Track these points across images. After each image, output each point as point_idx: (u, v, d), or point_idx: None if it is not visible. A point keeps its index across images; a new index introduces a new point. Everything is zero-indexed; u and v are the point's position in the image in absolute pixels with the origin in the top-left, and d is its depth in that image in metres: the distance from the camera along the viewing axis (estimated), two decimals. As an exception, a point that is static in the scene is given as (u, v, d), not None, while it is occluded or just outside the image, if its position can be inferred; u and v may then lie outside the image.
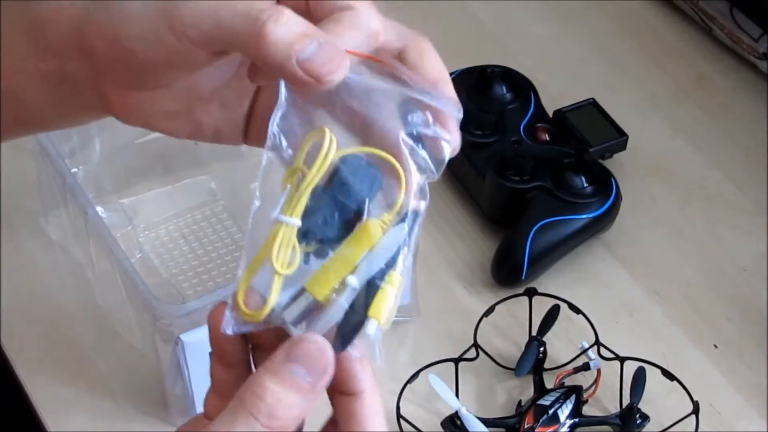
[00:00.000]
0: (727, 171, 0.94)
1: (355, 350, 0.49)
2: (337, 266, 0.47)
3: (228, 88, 0.53)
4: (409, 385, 0.77)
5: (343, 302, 0.47)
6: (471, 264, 0.87)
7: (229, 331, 0.47)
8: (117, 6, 0.50)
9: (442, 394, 0.76)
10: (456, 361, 0.78)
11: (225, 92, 0.53)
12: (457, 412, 0.75)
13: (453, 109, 0.51)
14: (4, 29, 0.52)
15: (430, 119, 0.50)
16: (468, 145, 0.88)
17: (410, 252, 0.48)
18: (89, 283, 0.82)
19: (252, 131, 0.55)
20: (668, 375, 0.77)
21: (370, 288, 0.47)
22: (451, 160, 0.92)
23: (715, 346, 0.83)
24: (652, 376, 0.78)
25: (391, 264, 0.47)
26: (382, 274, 0.47)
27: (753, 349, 0.83)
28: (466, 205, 0.90)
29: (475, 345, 0.80)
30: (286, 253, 0.47)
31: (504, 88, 0.92)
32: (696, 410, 0.76)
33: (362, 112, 0.50)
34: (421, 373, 0.77)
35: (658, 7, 1.07)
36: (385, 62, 0.50)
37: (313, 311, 0.47)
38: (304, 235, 0.47)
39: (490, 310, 0.81)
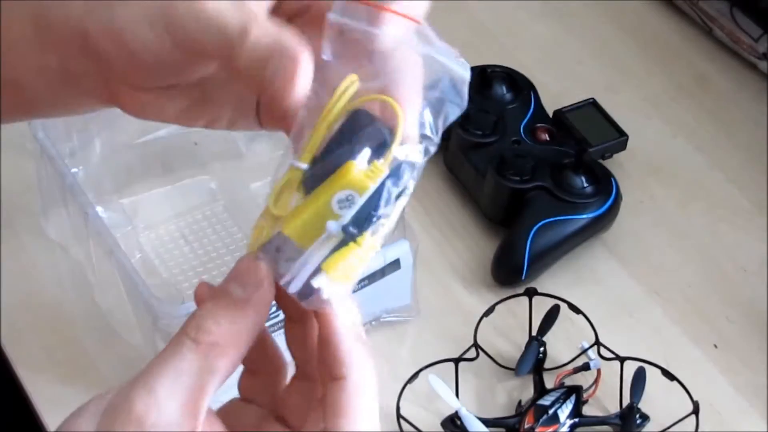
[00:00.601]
0: (727, 171, 0.94)
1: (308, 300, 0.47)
2: (309, 206, 0.46)
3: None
4: (409, 385, 0.77)
5: (314, 247, 0.46)
6: (471, 264, 0.87)
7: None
8: (116, 7, 0.50)
9: (442, 394, 0.76)
10: (456, 361, 0.78)
11: (237, 84, 0.53)
12: (457, 412, 0.75)
13: (468, 73, 0.49)
14: (12, 20, 0.52)
15: (446, 82, 0.49)
16: (468, 145, 0.88)
17: (392, 219, 0.47)
18: (89, 283, 0.82)
19: (266, 116, 0.55)
20: (668, 375, 0.78)
21: (342, 240, 0.46)
22: (452, 161, 0.92)
23: (715, 346, 0.83)
24: (652, 376, 0.78)
25: (365, 221, 0.46)
26: (359, 228, 0.46)
27: (753, 349, 0.83)
28: (466, 205, 0.90)
29: (475, 345, 0.80)
30: (288, 195, 0.47)
31: (504, 88, 0.92)
32: (696, 410, 0.76)
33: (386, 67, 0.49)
34: (421, 373, 0.77)
35: (658, 7, 1.07)
36: (416, 20, 0.50)
37: (288, 252, 0.47)
38: (305, 180, 0.47)
39: (490, 310, 0.81)
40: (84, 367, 0.79)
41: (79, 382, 0.78)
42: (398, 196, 0.47)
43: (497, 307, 0.81)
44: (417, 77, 0.49)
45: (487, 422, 0.75)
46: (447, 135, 0.90)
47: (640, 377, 0.77)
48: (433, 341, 0.82)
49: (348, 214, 0.46)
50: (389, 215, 0.46)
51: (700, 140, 0.97)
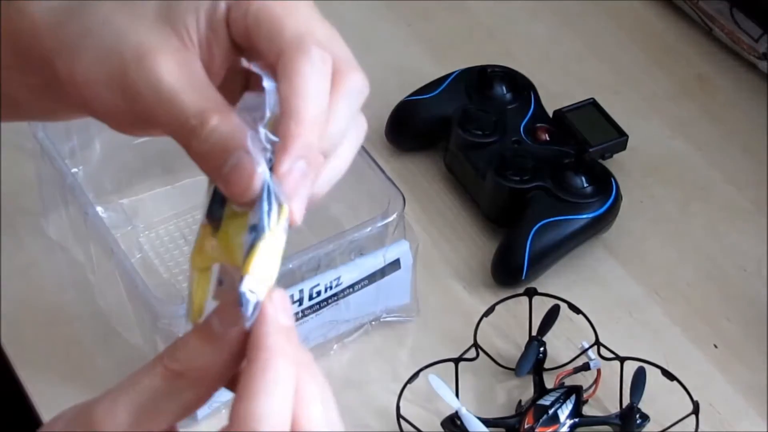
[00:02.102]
0: (727, 171, 0.94)
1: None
2: (225, 228, 0.48)
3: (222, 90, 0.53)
4: (409, 385, 0.77)
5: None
6: (471, 264, 0.87)
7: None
8: (82, 56, 0.49)
9: (442, 394, 0.76)
10: (456, 361, 0.78)
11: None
12: (457, 412, 0.75)
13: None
14: None
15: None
16: (468, 145, 0.88)
17: (278, 205, 0.47)
18: (89, 283, 0.82)
19: None
20: (668, 375, 0.78)
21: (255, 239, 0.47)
22: (452, 161, 0.92)
23: (715, 346, 0.83)
24: (652, 376, 0.78)
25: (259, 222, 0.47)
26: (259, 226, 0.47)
27: (753, 349, 0.83)
28: (466, 205, 0.90)
29: (475, 345, 0.80)
30: (206, 244, 0.48)
31: (504, 88, 0.92)
32: (696, 410, 0.76)
33: None
34: (421, 373, 0.77)
35: (658, 7, 1.07)
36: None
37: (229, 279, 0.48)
38: (214, 224, 0.48)
39: (490, 310, 0.81)
40: (84, 367, 0.79)
41: (79, 382, 0.78)
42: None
43: (497, 307, 0.81)
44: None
45: (487, 422, 0.75)
46: (447, 135, 0.90)
47: (640, 377, 0.77)
48: (433, 341, 0.82)
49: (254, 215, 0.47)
50: (276, 204, 0.47)
51: (700, 140, 0.97)
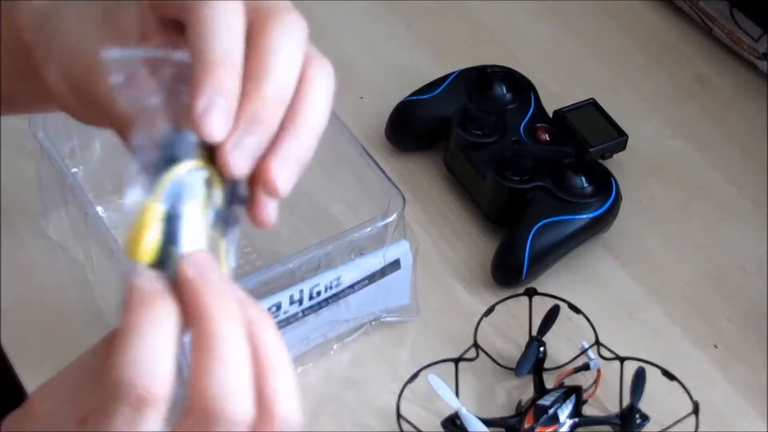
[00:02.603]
0: (727, 171, 0.94)
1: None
2: None
3: None
4: (409, 385, 0.77)
5: None
6: (471, 264, 0.87)
7: None
8: (53, 57, 0.51)
9: (442, 394, 0.76)
10: (456, 361, 0.78)
11: None
12: (457, 412, 0.75)
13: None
14: None
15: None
16: (468, 145, 0.88)
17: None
18: (89, 283, 0.82)
19: None
20: (668, 375, 0.78)
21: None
22: (452, 161, 0.92)
23: (715, 346, 0.83)
24: (652, 376, 0.78)
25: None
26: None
27: (753, 349, 0.83)
28: (466, 205, 0.90)
29: (475, 345, 0.80)
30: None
31: (504, 88, 0.92)
32: (696, 410, 0.76)
33: None
34: (421, 373, 0.77)
35: (658, 7, 1.07)
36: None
37: None
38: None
39: (490, 310, 0.81)
40: (84, 367, 0.79)
41: (79, 382, 0.78)
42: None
43: (497, 307, 0.81)
44: None
45: (487, 422, 0.75)
46: (447, 135, 0.90)
47: (640, 377, 0.77)
48: (433, 341, 0.82)
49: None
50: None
51: (700, 140, 0.97)
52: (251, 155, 0.46)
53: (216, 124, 0.45)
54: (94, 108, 0.50)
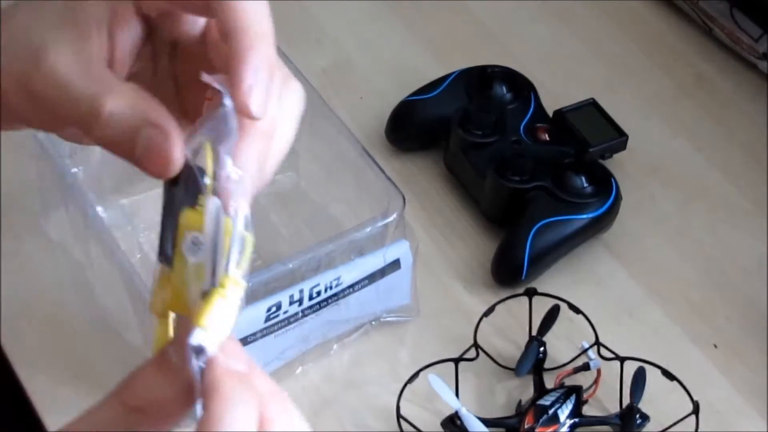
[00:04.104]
0: (727, 171, 0.94)
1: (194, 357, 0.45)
2: (177, 277, 0.46)
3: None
4: (409, 385, 0.77)
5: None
6: (471, 264, 0.87)
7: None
8: (5, 64, 0.50)
9: (442, 394, 0.76)
10: (456, 361, 0.78)
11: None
12: (457, 412, 0.75)
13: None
14: None
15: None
16: (468, 145, 0.88)
17: (242, 247, 0.46)
18: (89, 283, 0.82)
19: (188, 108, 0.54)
20: (668, 375, 0.78)
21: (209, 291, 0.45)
22: (452, 161, 0.92)
23: (715, 346, 0.83)
24: (652, 376, 0.78)
25: (217, 263, 0.45)
26: (215, 273, 0.45)
27: (753, 349, 0.83)
28: (466, 205, 0.90)
29: (475, 345, 0.80)
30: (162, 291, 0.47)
31: (504, 88, 0.92)
32: (696, 410, 0.76)
33: None
34: (421, 373, 0.77)
35: (658, 7, 1.07)
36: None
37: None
38: (166, 266, 0.47)
39: (490, 310, 0.81)
40: (84, 367, 0.79)
41: (79, 382, 0.78)
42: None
43: (497, 307, 0.81)
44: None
45: (487, 422, 0.75)
46: (447, 135, 0.90)
47: (640, 377, 0.77)
48: (433, 341, 0.82)
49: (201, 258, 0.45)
50: (237, 245, 0.45)
51: (700, 140, 0.97)
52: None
53: (258, 100, 0.46)
54: (42, 104, 0.49)
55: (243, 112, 0.46)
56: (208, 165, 0.46)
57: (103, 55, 0.49)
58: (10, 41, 0.50)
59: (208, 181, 0.46)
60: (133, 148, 0.46)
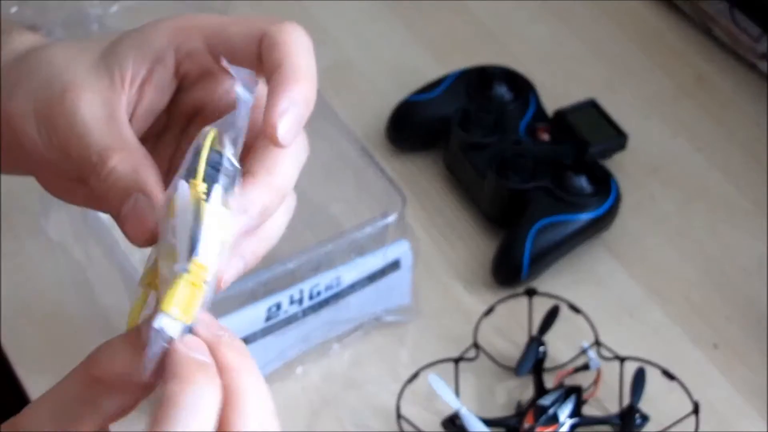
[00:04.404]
0: (727, 171, 0.94)
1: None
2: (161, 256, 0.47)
3: None
4: (409, 385, 0.77)
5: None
6: (471, 264, 0.87)
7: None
8: (13, 91, 0.51)
9: (442, 394, 0.76)
10: (456, 361, 0.78)
11: None
12: (457, 412, 0.75)
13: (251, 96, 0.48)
14: None
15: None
16: (468, 145, 0.88)
17: (221, 241, 0.46)
18: (89, 283, 0.82)
19: None
20: (668, 375, 0.78)
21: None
22: (452, 161, 0.91)
23: (715, 346, 0.83)
24: (652, 376, 0.78)
25: (192, 248, 0.45)
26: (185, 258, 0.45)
27: (753, 349, 0.83)
28: (466, 205, 0.90)
29: (475, 345, 0.80)
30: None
31: (504, 88, 0.92)
32: (696, 410, 0.76)
33: None
34: (421, 373, 0.77)
35: (658, 7, 1.07)
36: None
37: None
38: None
39: (490, 310, 0.81)
40: (84, 367, 0.79)
41: (79, 382, 0.78)
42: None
43: (497, 307, 0.81)
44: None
45: (487, 422, 0.75)
46: (447, 135, 0.90)
47: (640, 377, 0.78)
48: (433, 341, 0.82)
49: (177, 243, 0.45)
50: (212, 229, 0.45)
51: (700, 140, 0.97)
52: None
53: (287, 126, 0.48)
54: (53, 136, 0.50)
55: (269, 135, 0.47)
56: (205, 150, 0.46)
57: (126, 110, 0.50)
58: (39, 72, 0.51)
59: (199, 166, 0.46)
60: (118, 207, 0.48)
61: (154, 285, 0.48)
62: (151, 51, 0.51)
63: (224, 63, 0.48)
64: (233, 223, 0.47)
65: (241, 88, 0.47)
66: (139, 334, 0.46)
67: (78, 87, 0.50)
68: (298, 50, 0.49)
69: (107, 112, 0.50)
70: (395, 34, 1.04)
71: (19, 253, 0.85)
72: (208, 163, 0.46)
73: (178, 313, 0.45)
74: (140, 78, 0.51)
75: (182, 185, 0.45)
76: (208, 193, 0.45)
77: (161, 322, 0.45)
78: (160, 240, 0.47)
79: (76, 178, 0.51)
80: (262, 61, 0.50)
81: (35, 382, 0.79)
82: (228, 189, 0.46)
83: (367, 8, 1.05)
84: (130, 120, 0.51)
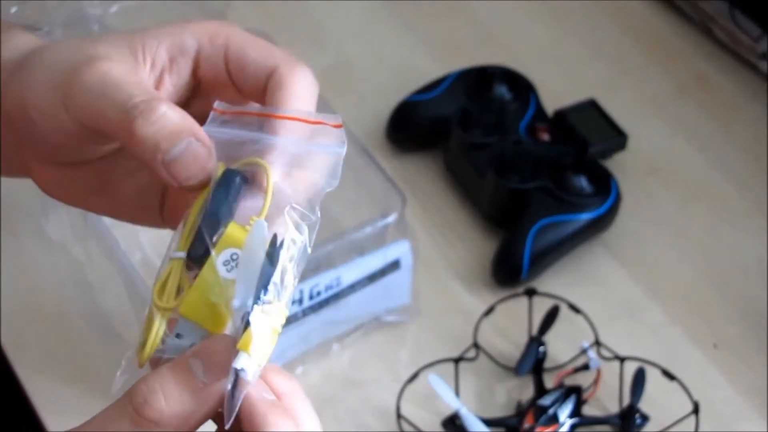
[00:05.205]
0: (727, 171, 0.94)
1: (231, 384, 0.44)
2: (198, 281, 0.45)
3: (143, 171, 0.53)
4: (409, 385, 0.77)
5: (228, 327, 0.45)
6: (471, 264, 0.87)
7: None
8: (26, 72, 0.51)
9: (442, 394, 0.76)
10: (456, 361, 0.78)
11: (140, 175, 0.54)
12: (457, 412, 0.75)
13: (343, 149, 0.51)
14: None
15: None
16: (468, 145, 0.88)
17: (293, 282, 0.45)
18: (89, 283, 0.82)
19: (166, 214, 0.55)
20: (668, 375, 0.78)
21: (244, 315, 0.44)
22: (452, 161, 0.92)
23: (715, 346, 0.83)
24: (652, 376, 0.78)
25: (264, 287, 0.44)
26: (258, 298, 0.44)
27: (753, 349, 0.83)
28: (466, 205, 0.90)
29: (475, 345, 0.80)
30: (173, 286, 0.46)
31: (504, 88, 0.92)
32: (696, 410, 0.76)
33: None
34: (421, 373, 0.77)
35: (658, 7, 1.07)
36: (253, 113, 0.50)
37: (191, 336, 0.46)
38: (189, 263, 0.46)
39: (490, 310, 0.81)
40: (84, 367, 0.79)
41: (79, 382, 0.78)
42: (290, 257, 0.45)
43: (497, 307, 0.81)
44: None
45: (487, 422, 0.75)
46: (447, 135, 0.90)
47: (640, 377, 0.78)
48: (433, 341, 0.82)
49: (245, 281, 0.44)
50: (287, 274, 0.45)
51: (700, 140, 0.97)
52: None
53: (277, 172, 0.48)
54: (78, 107, 0.49)
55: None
56: (268, 186, 0.47)
57: (150, 83, 0.51)
58: (65, 48, 0.51)
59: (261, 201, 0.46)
60: (165, 151, 0.47)
61: (188, 311, 0.46)
62: (176, 42, 0.51)
63: (216, 105, 0.49)
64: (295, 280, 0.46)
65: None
66: (188, 368, 0.44)
67: (103, 58, 0.49)
68: (299, 97, 0.50)
69: (138, 77, 0.50)
70: (395, 34, 1.04)
71: (19, 253, 0.85)
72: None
73: (256, 355, 0.43)
74: (161, 64, 0.51)
75: (261, 225, 0.45)
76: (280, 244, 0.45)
77: (241, 363, 0.43)
78: (209, 269, 0.45)
79: (83, 161, 0.51)
80: (266, 95, 0.50)
81: (35, 382, 0.79)
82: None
83: (367, 8, 1.05)
84: None
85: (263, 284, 0.44)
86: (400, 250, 0.78)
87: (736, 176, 0.94)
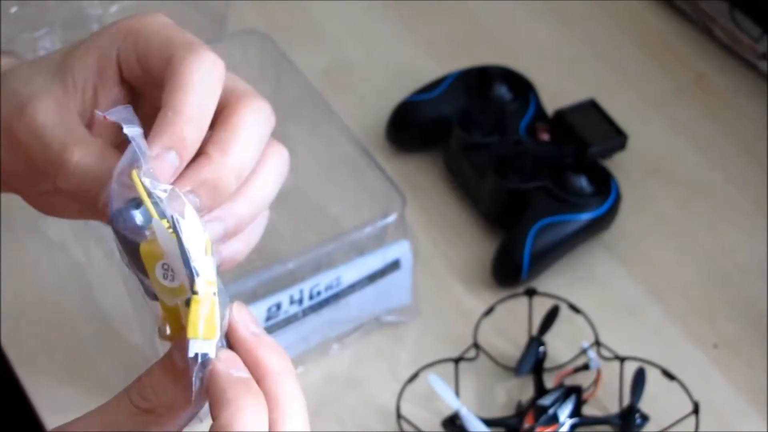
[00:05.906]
0: (727, 171, 0.94)
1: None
2: (165, 306, 0.48)
3: None
4: (409, 385, 0.77)
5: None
6: (471, 264, 0.87)
7: None
8: None
9: (442, 394, 0.76)
10: (456, 361, 0.78)
11: None
12: (457, 412, 0.75)
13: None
14: None
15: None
16: (468, 145, 0.88)
17: (204, 236, 0.47)
18: (89, 283, 0.82)
19: None
20: (668, 375, 0.78)
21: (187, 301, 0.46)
22: (452, 161, 0.92)
23: (715, 346, 0.83)
24: (652, 376, 0.78)
25: (184, 274, 0.46)
26: (192, 280, 0.46)
27: (753, 349, 0.83)
28: (466, 205, 0.90)
29: (475, 345, 0.80)
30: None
31: (504, 88, 0.92)
32: (696, 410, 0.76)
33: None
34: (421, 373, 0.77)
35: (658, 7, 1.07)
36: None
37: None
38: (152, 298, 0.49)
39: (489, 310, 0.81)
40: (84, 367, 0.79)
41: (79, 382, 0.78)
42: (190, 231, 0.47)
43: (497, 307, 0.81)
44: None
45: (487, 422, 0.75)
46: (447, 135, 0.90)
47: (640, 377, 0.78)
48: (433, 341, 0.82)
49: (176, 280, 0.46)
50: (194, 246, 0.46)
51: (700, 140, 0.97)
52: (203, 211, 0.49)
53: (162, 173, 0.48)
54: (19, 151, 0.51)
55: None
56: (142, 192, 0.47)
57: (79, 111, 0.51)
58: (6, 93, 0.52)
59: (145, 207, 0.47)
60: (96, 199, 0.49)
61: (175, 336, 0.49)
62: (102, 52, 0.52)
63: (97, 114, 0.49)
64: (204, 226, 0.47)
65: (126, 128, 0.47)
66: (173, 361, 0.47)
67: (36, 98, 0.51)
68: (189, 86, 0.49)
69: (62, 114, 0.51)
70: (395, 34, 1.04)
71: (19, 253, 0.85)
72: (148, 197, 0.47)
73: (205, 333, 0.46)
74: (91, 82, 0.52)
75: (157, 223, 0.46)
76: (173, 224, 0.46)
77: (194, 349, 0.45)
78: (160, 296, 0.48)
79: (54, 191, 0.52)
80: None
81: (35, 382, 0.79)
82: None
83: (367, 8, 1.05)
84: (90, 125, 0.52)
85: (187, 265, 0.46)
86: (400, 250, 0.78)
87: (736, 176, 0.94)
